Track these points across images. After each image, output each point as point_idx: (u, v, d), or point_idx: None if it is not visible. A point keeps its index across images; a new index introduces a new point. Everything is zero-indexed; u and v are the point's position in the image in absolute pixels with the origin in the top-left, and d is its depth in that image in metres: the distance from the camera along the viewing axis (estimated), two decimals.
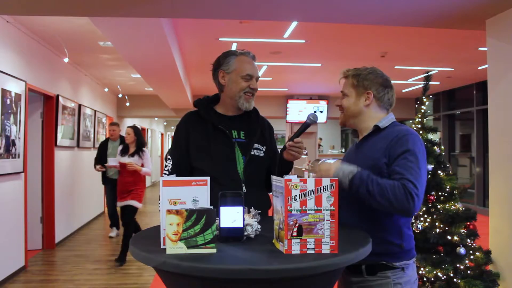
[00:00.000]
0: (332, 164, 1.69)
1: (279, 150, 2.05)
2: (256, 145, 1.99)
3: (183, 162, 1.98)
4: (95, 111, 8.17)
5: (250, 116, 2.05)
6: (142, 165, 5.19)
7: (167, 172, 1.99)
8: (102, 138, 8.93)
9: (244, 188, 1.90)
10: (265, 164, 2.01)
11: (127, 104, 10.34)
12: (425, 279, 3.13)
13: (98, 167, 6.28)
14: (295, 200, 1.31)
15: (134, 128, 5.30)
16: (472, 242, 3.24)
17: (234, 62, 1.97)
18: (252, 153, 1.97)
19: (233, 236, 1.41)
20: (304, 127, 1.84)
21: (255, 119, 2.06)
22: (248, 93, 1.97)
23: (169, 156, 2.02)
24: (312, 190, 1.31)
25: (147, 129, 15.60)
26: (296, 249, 1.30)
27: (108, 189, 6.46)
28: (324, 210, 1.32)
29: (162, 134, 20.62)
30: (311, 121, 1.84)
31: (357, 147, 1.86)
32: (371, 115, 1.80)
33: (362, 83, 1.79)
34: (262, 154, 2.00)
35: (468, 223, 3.26)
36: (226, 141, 1.95)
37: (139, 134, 5.26)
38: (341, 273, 1.68)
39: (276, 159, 1.96)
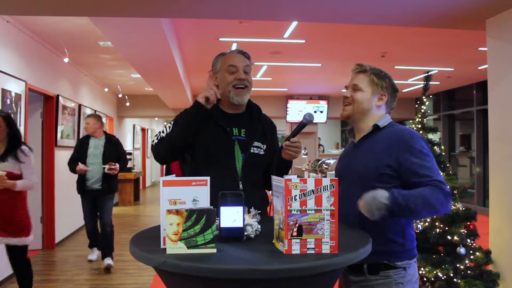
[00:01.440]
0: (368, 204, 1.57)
1: None
2: (256, 143, 1.99)
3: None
4: (95, 111, 8.16)
5: (253, 114, 2.06)
6: (20, 175, 3.27)
7: (161, 135, 1.93)
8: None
9: (240, 186, 1.91)
10: (265, 162, 2.01)
11: (127, 104, 10.34)
12: (425, 279, 3.13)
13: (81, 166, 4.77)
14: (295, 200, 1.31)
15: (4, 117, 3.30)
16: (472, 242, 3.24)
17: (219, 61, 2.01)
18: (251, 151, 1.97)
19: (233, 236, 1.41)
20: (300, 127, 1.84)
21: (257, 117, 2.06)
22: (237, 86, 1.96)
23: (169, 125, 1.95)
24: (312, 190, 1.31)
25: (147, 129, 15.60)
26: (296, 249, 1.30)
27: (86, 201, 5.03)
28: (324, 210, 1.32)
29: None
30: (307, 120, 1.84)
31: (355, 146, 1.84)
32: (376, 116, 1.80)
33: (381, 83, 1.79)
34: (262, 153, 2.00)
35: (468, 223, 3.26)
36: (226, 138, 1.96)
37: (13, 126, 3.34)
38: (341, 273, 1.68)
39: (274, 158, 1.96)
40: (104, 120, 9.07)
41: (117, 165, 4.86)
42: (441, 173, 3.25)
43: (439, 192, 1.56)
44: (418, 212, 1.59)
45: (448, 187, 1.58)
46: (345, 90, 1.86)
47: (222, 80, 1.98)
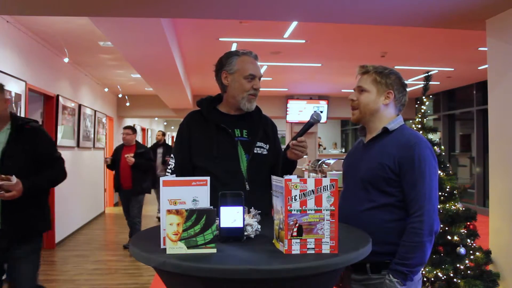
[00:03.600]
0: None
1: (282, 148, 2.05)
2: (259, 143, 1.99)
3: (185, 161, 1.98)
4: (95, 111, 8.17)
5: (253, 115, 2.05)
6: None
7: (169, 171, 2.00)
8: (102, 138, 8.87)
9: (247, 187, 1.90)
10: (269, 162, 2.01)
11: (127, 104, 10.34)
12: (425, 279, 3.13)
13: None
14: (295, 200, 1.31)
15: None
16: (472, 242, 3.24)
17: (236, 62, 1.96)
18: (255, 151, 1.97)
19: (233, 236, 1.41)
20: (308, 126, 1.83)
21: (258, 117, 2.06)
22: (252, 95, 1.97)
23: (172, 155, 2.04)
24: (312, 190, 1.31)
25: (147, 129, 15.60)
26: (296, 249, 1.30)
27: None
28: (324, 210, 1.31)
29: None
30: (314, 120, 1.83)
31: (364, 146, 1.83)
32: (385, 115, 1.78)
33: (385, 81, 1.76)
34: (265, 152, 2.00)
35: (468, 223, 3.26)
36: (229, 140, 1.95)
37: None
38: (341, 273, 1.68)
39: (280, 158, 1.95)
40: (104, 120, 9.04)
41: (14, 179, 2.24)
42: (442, 173, 3.27)
43: (425, 234, 1.61)
44: (425, 257, 1.64)
45: (432, 219, 1.62)
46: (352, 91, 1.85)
47: (238, 85, 1.95)
